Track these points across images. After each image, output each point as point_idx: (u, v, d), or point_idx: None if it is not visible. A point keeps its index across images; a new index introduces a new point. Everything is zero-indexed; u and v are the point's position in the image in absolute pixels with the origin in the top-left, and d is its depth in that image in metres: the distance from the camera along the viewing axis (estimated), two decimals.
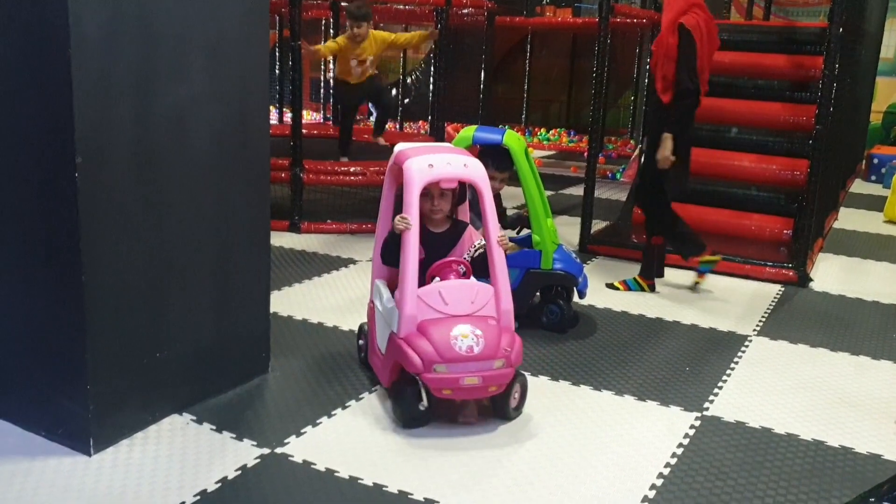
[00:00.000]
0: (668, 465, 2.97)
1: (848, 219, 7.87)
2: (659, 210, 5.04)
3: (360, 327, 3.78)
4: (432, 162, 3.25)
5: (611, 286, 5.17)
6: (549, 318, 4.29)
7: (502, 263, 3.24)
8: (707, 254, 5.07)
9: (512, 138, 4.19)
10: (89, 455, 2.83)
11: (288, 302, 4.50)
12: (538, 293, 4.36)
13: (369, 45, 6.70)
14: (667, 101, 4.78)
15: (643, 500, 2.72)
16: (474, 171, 3.28)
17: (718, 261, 5.12)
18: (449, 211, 3.52)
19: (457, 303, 3.15)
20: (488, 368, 3.06)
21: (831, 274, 5.83)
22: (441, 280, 3.25)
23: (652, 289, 5.14)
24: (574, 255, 4.39)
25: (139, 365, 2.99)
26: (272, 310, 3.64)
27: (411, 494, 2.69)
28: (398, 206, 3.36)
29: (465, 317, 3.13)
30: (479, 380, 3.04)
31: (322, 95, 12.63)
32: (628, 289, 5.14)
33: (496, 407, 3.24)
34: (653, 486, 2.81)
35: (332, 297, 4.70)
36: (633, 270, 5.32)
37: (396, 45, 6.91)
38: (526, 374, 3.41)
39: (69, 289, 2.76)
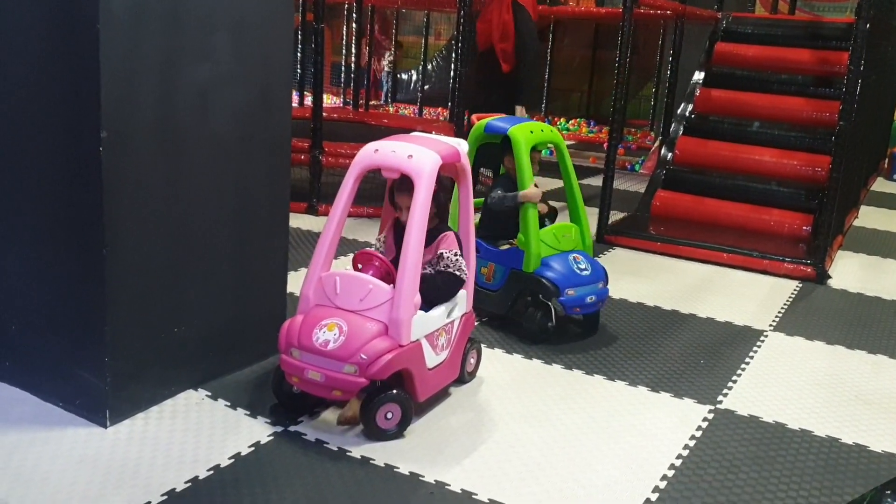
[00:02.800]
0: (679, 456, 2.97)
1: (869, 217, 7.80)
2: None
3: None
4: (379, 147, 3.07)
5: None
6: (526, 324, 3.95)
7: (413, 271, 2.91)
8: None
9: (520, 130, 3.99)
10: (105, 427, 2.86)
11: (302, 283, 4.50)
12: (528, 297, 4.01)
13: None
14: (507, 70, 5.42)
15: (654, 491, 2.72)
16: (417, 163, 2.96)
17: None
18: (434, 210, 3.16)
19: (346, 295, 2.94)
20: (335, 369, 2.82)
21: (850, 271, 5.79)
22: (362, 269, 3.08)
23: None
24: (584, 267, 3.98)
25: (157, 339, 3.01)
26: (289, 290, 3.65)
27: (422, 476, 2.70)
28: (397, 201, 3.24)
29: (347, 311, 2.92)
30: (322, 377, 2.83)
31: (342, 80, 12.62)
32: None
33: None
34: (664, 477, 2.81)
35: None
36: (650, 261, 5.31)
37: None
38: (538, 361, 3.41)
39: (90, 262, 2.79)
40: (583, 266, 3.97)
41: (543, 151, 4.38)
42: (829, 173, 5.63)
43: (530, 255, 3.89)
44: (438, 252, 3.18)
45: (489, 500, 2.60)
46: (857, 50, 5.32)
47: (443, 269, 3.16)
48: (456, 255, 3.19)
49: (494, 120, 4.18)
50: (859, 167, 7.33)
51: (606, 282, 4.08)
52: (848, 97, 5.42)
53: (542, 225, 4.01)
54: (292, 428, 2.96)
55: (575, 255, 4.00)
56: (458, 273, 3.17)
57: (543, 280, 3.86)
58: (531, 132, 4.00)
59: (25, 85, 2.83)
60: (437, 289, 3.09)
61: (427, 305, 3.02)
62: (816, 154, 6.29)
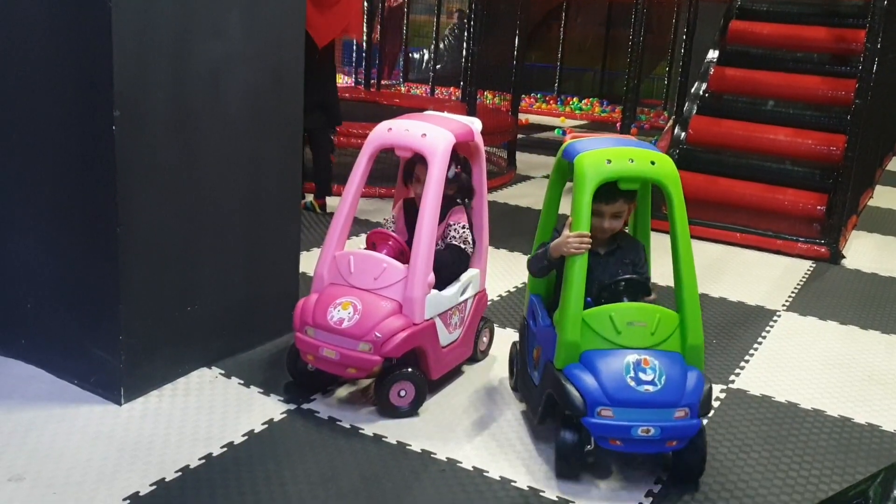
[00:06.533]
0: None
1: (884, 197, 7.74)
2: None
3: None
4: (392, 126, 3.07)
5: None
6: (556, 446, 2.67)
7: (427, 250, 2.90)
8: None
9: (590, 158, 2.67)
10: (119, 404, 2.89)
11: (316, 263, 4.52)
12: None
13: None
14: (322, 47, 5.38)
15: (665, 470, 2.72)
16: (431, 142, 2.95)
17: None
18: (450, 189, 3.13)
19: (360, 274, 2.95)
20: (350, 347, 2.83)
21: (864, 252, 5.76)
22: (376, 248, 3.09)
23: (323, 209, 5.76)
24: (649, 379, 2.54)
25: (170, 318, 3.03)
26: (301, 270, 3.66)
27: (434, 454, 2.72)
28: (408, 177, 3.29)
29: (362, 290, 2.92)
30: (337, 355, 2.84)
31: (354, 60, 12.58)
32: (305, 208, 5.55)
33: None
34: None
35: None
36: (662, 241, 5.26)
37: None
38: None
39: (104, 241, 2.80)
40: (648, 377, 2.54)
41: (639, 192, 2.85)
42: (844, 152, 5.59)
43: (561, 343, 2.64)
44: (447, 223, 3.19)
45: (500, 477, 2.61)
46: (873, 28, 5.27)
47: (450, 241, 3.17)
48: (464, 227, 3.20)
49: (579, 140, 2.86)
50: (875, 146, 7.26)
51: (697, 410, 2.56)
52: (864, 75, 5.37)
53: (612, 298, 2.71)
54: (305, 406, 2.98)
55: (645, 357, 2.58)
56: (462, 245, 3.17)
57: (568, 386, 2.57)
58: (608, 162, 2.64)
59: (38, 65, 2.83)
60: (445, 264, 3.10)
61: (439, 283, 3.02)
62: (831, 133, 6.23)
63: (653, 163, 2.66)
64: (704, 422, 2.72)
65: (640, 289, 2.74)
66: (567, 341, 2.60)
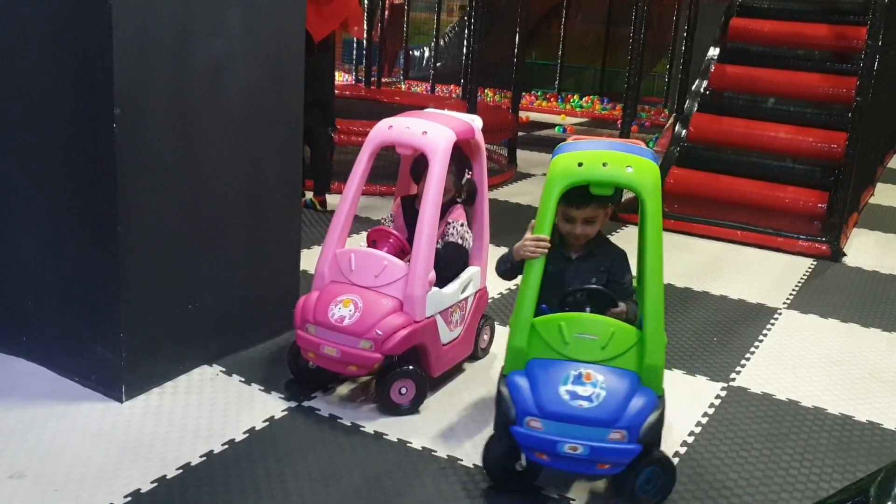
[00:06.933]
0: (692, 433, 2.97)
1: (885, 194, 7.74)
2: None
3: None
4: (393, 124, 3.06)
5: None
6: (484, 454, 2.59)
7: (427, 248, 2.90)
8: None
9: (563, 160, 2.52)
10: (121, 402, 2.89)
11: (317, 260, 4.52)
12: None
13: None
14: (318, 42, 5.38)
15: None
16: (431, 140, 2.94)
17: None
18: (451, 186, 3.15)
19: (361, 272, 2.95)
20: (351, 345, 2.83)
21: (865, 249, 5.75)
22: (377, 246, 3.09)
23: (323, 206, 5.72)
24: (587, 394, 2.36)
25: (171, 315, 3.03)
26: (302, 268, 3.66)
27: (434, 451, 2.72)
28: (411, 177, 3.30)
29: (362, 288, 2.92)
30: (338, 353, 2.84)
31: (354, 58, 12.58)
32: (305, 206, 5.51)
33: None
34: (676, 454, 2.82)
35: None
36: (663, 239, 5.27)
37: None
38: None
39: (105, 239, 2.80)
40: (587, 392, 2.36)
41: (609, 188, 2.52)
42: (845, 150, 5.59)
43: (508, 348, 2.52)
44: (446, 222, 3.19)
45: None
46: (875, 25, 5.26)
47: (448, 239, 3.17)
48: (462, 224, 3.22)
49: (571, 142, 2.69)
50: (876, 144, 7.26)
51: (637, 435, 2.35)
52: (865, 73, 5.37)
53: (576, 307, 2.56)
54: (306, 403, 2.98)
55: (589, 371, 2.40)
56: (460, 241, 3.18)
57: (504, 392, 2.45)
58: (579, 164, 2.48)
59: (39, 63, 2.83)
60: (444, 261, 3.10)
61: (440, 281, 3.02)
62: (832, 130, 6.22)
63: (629, 168, 2.44)
64: (676, 460, 2.70)
65: (604, 299, 2.55)
66: (513, 347, 2.48)
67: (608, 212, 2.71)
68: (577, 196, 2.53)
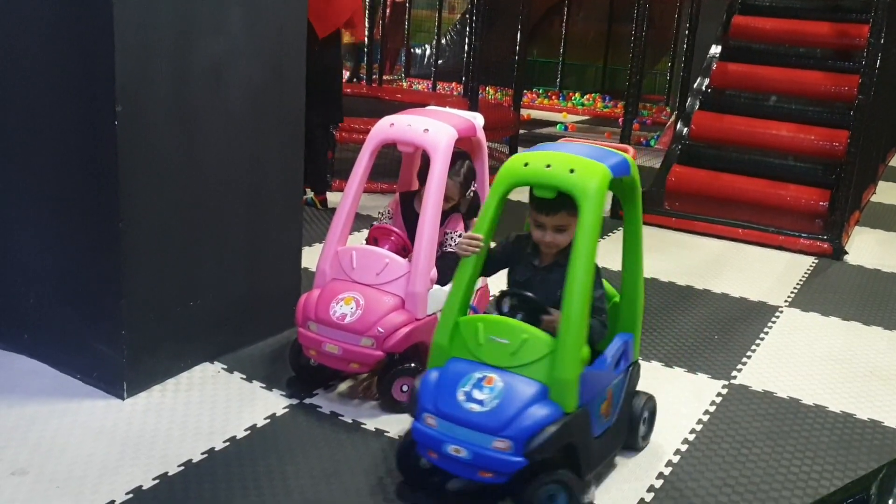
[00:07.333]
0: (693, 431, 2.97)
1: (886, 193, 7.73)
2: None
3: None
4: (395, 121, 3.06)
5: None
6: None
7: (429, 246, 2.90)
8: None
9: (513, 162, 2.49)
10: (122, 399, 2.89)
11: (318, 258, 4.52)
12: None
13: None
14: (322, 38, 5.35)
15: (667, 465, 2.73)
16: (433, 137, 2.94)
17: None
18: (455, 195, 3.22)
19: (363, 269, 2.95)
20: (352, 342, 2.83)
21: (867, 248, 5.75)
22: (378, 244, 3.10)
23: (324, 204, 5.69)
24: (482, 398, 2.29)
25: (173, 313, 3.03)
26: (303, 265, 3.66)
27: None
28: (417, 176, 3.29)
29: (364, 285, 2.93)
30: (339, 350, 2.84)
31: (355, 56, 12.56)
32: (306, 203, 5.40)
33: None
34: (677, 451, 2.82)
35: None
36: (665, 237, 5.29)
37: None
38: None
39: (106, 236, 2.80)
40: (482, 396, 2.29)
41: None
42: (847, 148, 5.58)
43: (432, 344, 2.50)
44: (444, 231, 3.20)
45: None
46: (877, 22, 5.26)
47: (447, 249, 3.18)
48: (460, 236, 3.20)
49: (547, 143, 2.65)
50: (878, 142, 7.25)
51: (523, 448, 2.23)
52: (867, 71, 5.37)
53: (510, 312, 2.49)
54: (307, 400, 2.98)
55: (491, 375, 2.32)
56: (457, 250, 3.17)
57: (417, 387, 2.43)
58: (525, 165, 2.43)
59: (40, 60, 2.83)
60: (441, 273, 3.08)
61: (441, 281, 3.02)
62: (834, 129, 6.22)
63: (572, 171, 2.32)
64: (677, 458, 2.69)
65: (535, 307, 2.44)
66: (435, 343, 2.45)
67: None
68: (547, 202, 2.42)
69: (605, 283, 2.59)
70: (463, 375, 2.33)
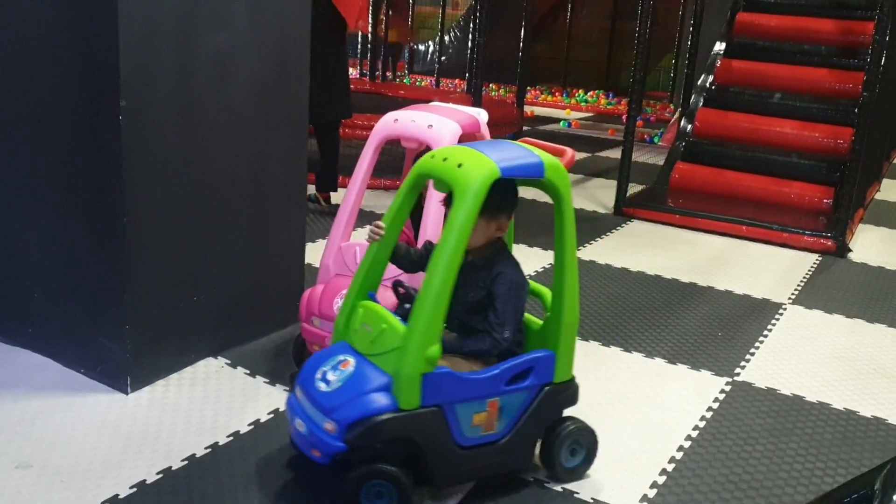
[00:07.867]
0: (696, 427, 2.97)
1: (891, 190, 7.71)
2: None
3: None
4: (398, 117, 3.06)
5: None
6: None
7: (435, 238, 2.78)
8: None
9: (431, 153, 2.46)
10: (126, 393, 2.90)
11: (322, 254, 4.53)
12: None
13: None
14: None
15: (670, 462, 2.73)
16: (437, 133, 2.93)
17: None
18: None
19: None
20: None
21: (871, 245, 5.74)
22: None
23: (328, 201, 5.64)
24: (331, 379, 2.34)
25: (176, 308, 3.04)
26: (306, 261, 3.67)
27: None
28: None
29: None
30: None
31: (359, 51, 12.57)
32: (310, 200, 5.43)
33: None
34: (680, 448, 2.82)
35: None
36: (668, 234, 5.28)
37: None
38: None
39: (111, 231, 2.80)
40: (332, 377, 2.34)
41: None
42: (852, 145, 5.57)
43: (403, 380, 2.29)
44: None
45: None
46: (882, 20, 5.24)
47: None
48: None
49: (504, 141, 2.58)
50: (882, 139, 7.24)
51: (344, 433, 2.23)
52: (872, 68, 5.34)
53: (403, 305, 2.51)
54: None
55: (349, 360, 2.36)
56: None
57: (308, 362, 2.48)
58: (432, 157, 2.41)
59: (44, 55, 2.83)
60: None
61: None
62: (838, 126, 6.21)
63: (460, 165, 2.25)
64: (680, 455, 2.68)
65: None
66: (336, 323, 2.51)
67: (500, 224, 2.44)
68: (448, 196, 2.38)
69: None
70: (330, 356, 2.41)
